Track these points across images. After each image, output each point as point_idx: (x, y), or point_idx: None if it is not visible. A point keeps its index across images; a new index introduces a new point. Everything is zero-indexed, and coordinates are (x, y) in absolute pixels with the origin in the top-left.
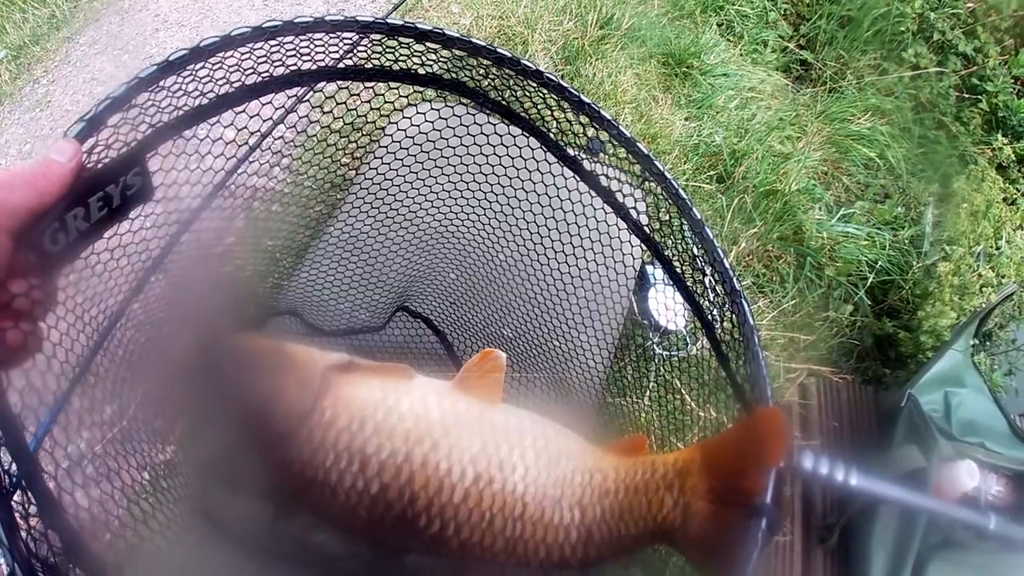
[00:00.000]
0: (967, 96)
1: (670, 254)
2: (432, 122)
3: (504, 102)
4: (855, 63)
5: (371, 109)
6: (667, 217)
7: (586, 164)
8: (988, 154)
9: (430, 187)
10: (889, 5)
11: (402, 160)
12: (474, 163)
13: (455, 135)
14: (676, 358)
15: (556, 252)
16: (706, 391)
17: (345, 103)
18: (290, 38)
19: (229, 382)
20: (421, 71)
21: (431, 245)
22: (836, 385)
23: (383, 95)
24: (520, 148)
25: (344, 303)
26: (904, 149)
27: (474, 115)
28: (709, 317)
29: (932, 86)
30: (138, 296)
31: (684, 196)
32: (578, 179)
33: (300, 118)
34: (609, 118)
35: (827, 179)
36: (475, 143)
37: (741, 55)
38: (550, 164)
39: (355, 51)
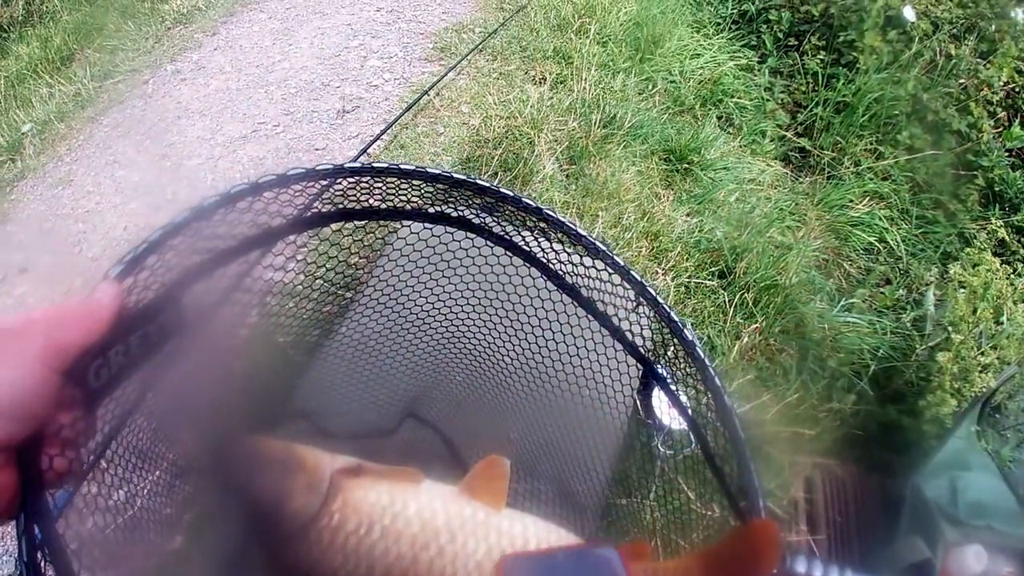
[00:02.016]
0: (963, 173)
1: (664, 372)
2: (439, 236)
3: (507, 236)
4: (852, 148)
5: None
6: (660, 338)
7: (583, 292)
8: (986, 230)
9: (436, 294)
10: (883, 89)
11: (412, 263)
12: (476, 279)
13: (460, 247)
14: (681, 456)
15: (560, 358)
16: (710, 489)
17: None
18: (312, 183)
19: (239, 482)
20: (431, 210)
21: (438, 350)
22: (841, 477)
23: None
24: (522, 277)
25: (354, 404)
26: (903, 231)
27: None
28: (703, 432)
29: (927, 166)
30: (153, 386)
31: (676, 319)
32: (576, 304)
33: None
34: (603, 248)
35: (828, 267)
36: (474, 263)
37: (741, 147)
38: (550, 290)
39: (372, 192)
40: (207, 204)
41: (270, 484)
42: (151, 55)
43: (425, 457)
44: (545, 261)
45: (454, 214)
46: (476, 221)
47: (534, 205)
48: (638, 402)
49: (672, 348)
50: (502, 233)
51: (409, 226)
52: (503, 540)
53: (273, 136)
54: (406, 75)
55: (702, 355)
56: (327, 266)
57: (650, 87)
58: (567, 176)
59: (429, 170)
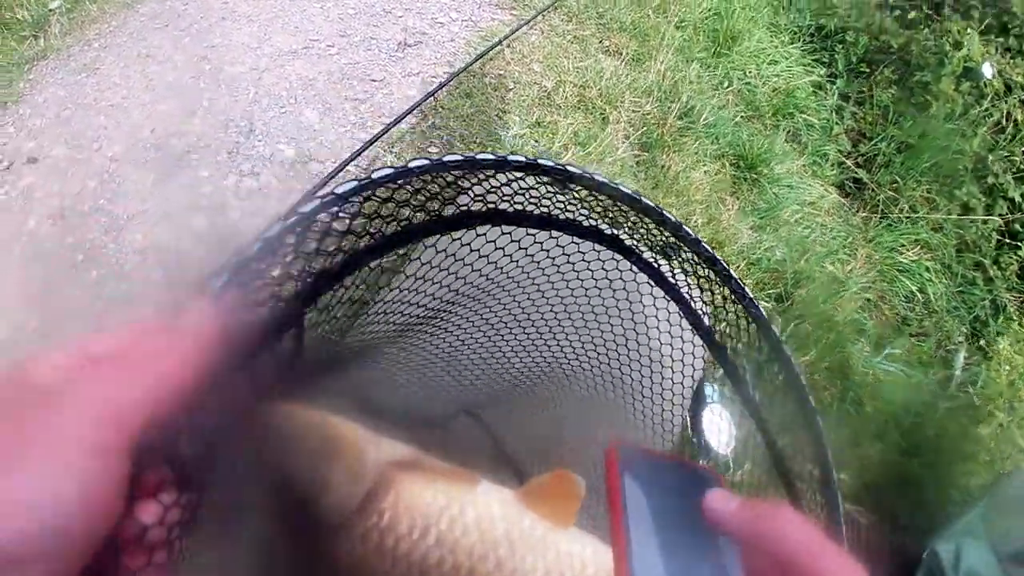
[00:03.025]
0: (1008, 241)
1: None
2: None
3: (636, 249)
4: (909, 192)
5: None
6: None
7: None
8: (1019, 303)
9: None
10: (949, 140)
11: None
12: (555, 278)
13: (570, 253)
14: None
15: (619, 361)
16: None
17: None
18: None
19: (265, 458)
20: (586, 223)
21: (495, 340)
22: (858, 522)
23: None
24: (609, 268)
25: (409, 381)
26: (943, 286)
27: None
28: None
29: (978, 227)
30: None
31: (800, 372)
32: (652, 284)
33: None
34: (750, 296)
35: (870, 306)
36: (557, 263)
37: (803, 166)
38: (626, 278)
39: (527, 195)
40: (345, 190)
41: (304, 468)
42: None
43: (473, 456)
44: (687, 299)
45: (607, 231)
46: (626, 241)
47: (693, 237)
48: (688, 419)
49: (774, 382)
50: (650, 260)
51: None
52: (561, 562)
53: (325, 57)
54: (474, 18)
55: (812, 402)
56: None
57: (725, 84)
58: (637, 163)
59: (595, 177)
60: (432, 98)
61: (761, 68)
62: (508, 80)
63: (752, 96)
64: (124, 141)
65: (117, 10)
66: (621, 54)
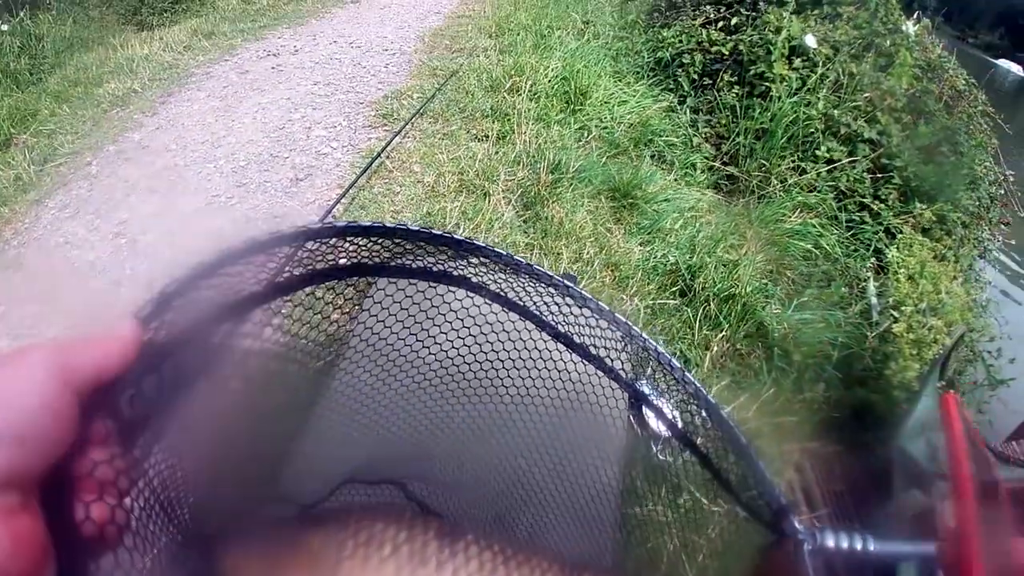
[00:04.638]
0: (880, 176)
1: (650, 392)
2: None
3: (502, 293)
4: (776, 168)
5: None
6: (648, 370)
7: (576, 339)
8: (911, 222)
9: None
10: (796, 112)
11: (395, 317)
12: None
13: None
14: (680, 461)
15: (556, 381)
16: (714, 487)
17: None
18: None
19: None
20: (435, 268)
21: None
22: (827, 457)
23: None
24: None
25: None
26: (836, 235)
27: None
28: (692, 438)
29: (848, 174)
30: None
31: (663, 351)
32: (570, 351)
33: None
34: (588, 296)
35: (774, 276)
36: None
37: (675, 180)
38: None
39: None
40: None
41: None
42: (91, 137)
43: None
44: (545, 318)
45: (455, 273)
46: (474, 280)
47: (542, 271)
48: (632, 419)
49: (652, 368)
50: (498, 291)
51: (396, 282)
52: None
53: (229, 208)
54: (353, 142)
55: (690, 376)
56: (308, 322)
57: (585, 135)
58: (524, 221)
59: (448, 233)
60: (331, 215)
61: (613, 111)
62: (395, 185)
63: (611, 137)
64: (63, 322)
65: (27, 208)
66: (488, 137)
